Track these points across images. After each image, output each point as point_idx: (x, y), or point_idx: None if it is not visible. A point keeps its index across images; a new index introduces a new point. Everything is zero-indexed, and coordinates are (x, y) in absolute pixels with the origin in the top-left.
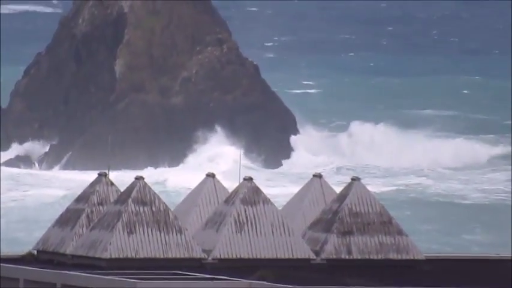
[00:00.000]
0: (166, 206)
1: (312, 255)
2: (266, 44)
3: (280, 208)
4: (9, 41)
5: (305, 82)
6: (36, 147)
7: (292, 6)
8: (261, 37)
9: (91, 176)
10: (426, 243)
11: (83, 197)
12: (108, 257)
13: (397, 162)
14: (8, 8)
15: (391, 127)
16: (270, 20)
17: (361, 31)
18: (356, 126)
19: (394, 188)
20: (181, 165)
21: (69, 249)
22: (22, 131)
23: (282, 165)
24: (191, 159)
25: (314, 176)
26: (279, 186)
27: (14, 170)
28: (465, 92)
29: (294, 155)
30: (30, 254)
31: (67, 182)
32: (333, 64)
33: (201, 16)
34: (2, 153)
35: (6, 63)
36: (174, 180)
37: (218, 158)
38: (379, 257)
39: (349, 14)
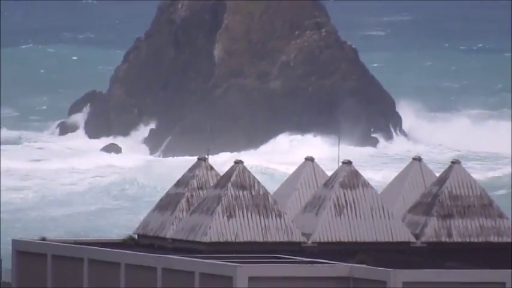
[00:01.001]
0: (265, 189)
1: (412, 239)
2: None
3: (379, 191)
4: (109, 26)
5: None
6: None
7: None
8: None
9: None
10: None
11: (183, 182)
12: (208, 240)
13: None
14: None
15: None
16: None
17: None
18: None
19: (496, 173)
20: (279, 148)
21: (169, 233)
22: (122, 116)
23: (380, 148)
24: (289, 142)
25: (414, 159)
26: (378, 169)
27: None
28: None
29: (394, 137)
30: (130, 238)
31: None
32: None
33: (299, 0)
34: (103, 137)
35: (105, 47)
36: (273, 162)
37: (315, 143)
38: (480, 239)
39: None
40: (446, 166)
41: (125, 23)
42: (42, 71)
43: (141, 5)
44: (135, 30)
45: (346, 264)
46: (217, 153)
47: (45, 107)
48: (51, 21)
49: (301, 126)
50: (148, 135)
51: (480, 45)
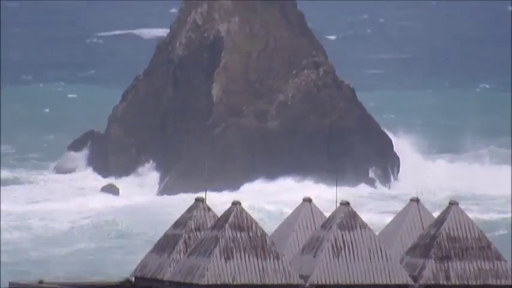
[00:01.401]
0: (263, 231)
1: (410, 281)
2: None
3: (377, 233)
4: (107, 64)
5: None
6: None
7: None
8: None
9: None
10: None
11: (181, 223)
12: (206, 283)
13: (494, 191)
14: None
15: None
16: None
17: None
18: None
19: (492, 215)
20: (277, 188)
21: (166, 276)
22: (120, 156)
23: (378, 189)
24: (288, 182)
25: (411, 200)
26: (376, 210)
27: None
28: None
29: (392, 178)
30: (127, 281)
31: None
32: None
33: (297, 39)
34: (100, 177)
35: (103, 86)
36: (271, 203)
37: (313, 183)
38: (478, 282)
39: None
40: (444, 207)
41: (123, 62)
42: (47, 110)
43: (141, 44)
44: (134, 68)
45: None
46: (215, 193)
47: (44, 146)
48: (50, 58)
49: (300, 166)
50: (147, 174)
51: (482, 85)
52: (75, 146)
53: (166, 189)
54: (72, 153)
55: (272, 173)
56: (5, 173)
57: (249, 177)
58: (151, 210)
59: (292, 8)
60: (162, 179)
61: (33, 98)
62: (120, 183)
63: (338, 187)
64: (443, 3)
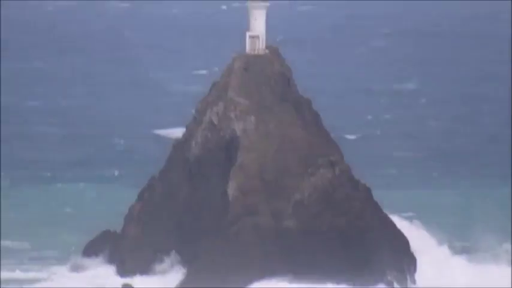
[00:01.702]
0: None
1: None
2: None
3: None
4: (123, 162)
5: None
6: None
7: None
8: None
9: None
10: None
11: None
12: None
13: None
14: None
15: None
16: None
17: None
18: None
19: None
20: None
21: None
22: (136, 256)
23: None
24: (304, 283)
25: None
26: None
27: None
28: None
29: (408, 278)
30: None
31: None
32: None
33: (313, 138)
34: (117, 276)
35: (122, 184)
36: None
37: (331, 284)
38: None
39: None
40: None
41: (140, 161)
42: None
43: (157, 143)
44: (150, 168)
45: None
46: None
47: (61, 244)
48: (69, 155)
49: (316, 266)
50: (163, 273)
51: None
52: (92, 246)
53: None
54: (89, 253)
55: (288, 272)
56: (20, 273)
57: (265, 276)
58: None
59: (308, 107)
60: (178, 277)
61: (51, 196)
62: (137, 282)
63: None
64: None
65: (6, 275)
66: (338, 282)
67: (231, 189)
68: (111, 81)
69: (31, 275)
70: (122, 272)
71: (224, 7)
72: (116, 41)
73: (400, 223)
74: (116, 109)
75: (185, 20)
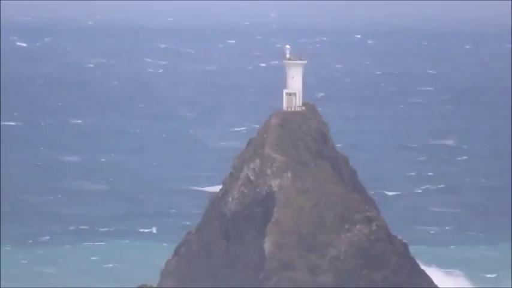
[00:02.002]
0: None
1: None
2: None
3: None
4: (159, 220)
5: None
6: None
7: None
8: None
9: None
10: None
11: None
12: None
13: None
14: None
15: None
16: None
17: None
18: None
19: None
20: None
21: None
22: None
23: None
24: None
25: None
26: None
27: None
28: None
29: None
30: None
31: None
32: None
33: (350, 195)
34: None
35: (159, 239)
36: None
37: None
38: None
39: None
40: None
41: (176, 215)
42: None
43: (193, 200)
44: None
45: None
46: None
47: None
48: (100, 211)
49: None
50: None
51: None
52: None
53: None
54: None
55: None
56: None
57: None
58: None
59: (345, 163)
60: None
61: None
62: None
63: None
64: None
65: None
66: None
67: (268, 245)
68: (149, 138)
69: None
70: None
71: (263, 64)
72: (154, 98)
73: (443, 278)
74: (153, 165)
75: (223, 77)
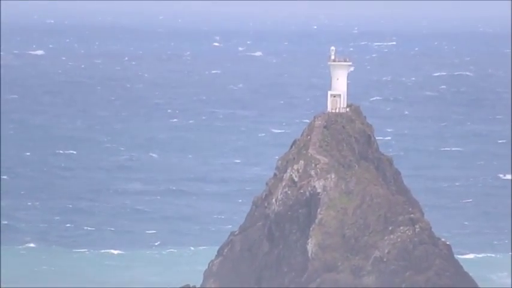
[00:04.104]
0: None
1: None
2: None
3: None
4: (202, 220)
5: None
6: None
7: None
8: None
9: None
10: None
11: None
12: None
13: None
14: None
15: None
16: None
17: None
18: None
19: None
20: None
21: None
22: None
23: None
24: None
25: None
26: None
27: None
28: None
29: None
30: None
31: None
32: None
33: (393, 196)
34: None
35: (197, 243)
36: None
37: None
38: None
39: None
40: None
41: (217, 217)
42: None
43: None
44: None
45: None
46: None
47: None
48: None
49: None
50: None
51: None
52: None
53: None
54: None
55: None
56: None
57: None
58: None
59: (389, 165)
60: None
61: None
62: None
63: None
64: None
65: None
66: None
67: (311, 246)
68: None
69: None
70: None
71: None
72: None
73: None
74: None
75: (270, 79)
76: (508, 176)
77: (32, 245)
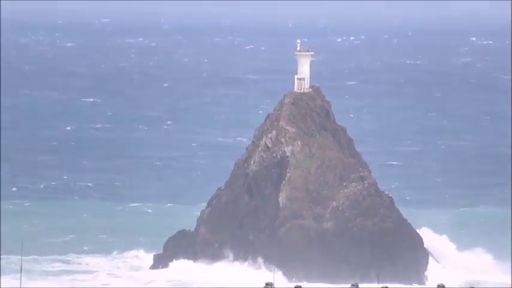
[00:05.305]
0: None
1: None
2: None
3: None
4: (196, 178)
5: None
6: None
7: None
8: None
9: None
10: None
11: None
12: None
13: None
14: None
15: None
16: None
17: None
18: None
19: None
20: (332, 280)
21: None
22: (206, 250)
23: (414, 279)
24: (337, 273)
25: (438, 285)
26: None
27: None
28: None
29: (423, 271)
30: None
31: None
32: None
33: (347, 159)
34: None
35: (195, 197)
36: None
37: (360, 275)
38: None
39: None
40: None
41: (208, 177)
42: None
43: (222, 160)
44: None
45: None
46: (282, 278)
47: (144, 242)
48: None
49: (348, 260)
50: (227, 264)
51: None
52: (171, 243)
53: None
54: (169, 246)
55: (326, 264)
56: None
57: (308, 269)
58: None
59: (343, 134)
60: (239, 267)
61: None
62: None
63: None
64: None
65: None
66: (362, 274)
67: (282, 198)
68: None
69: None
70: (195, 262)
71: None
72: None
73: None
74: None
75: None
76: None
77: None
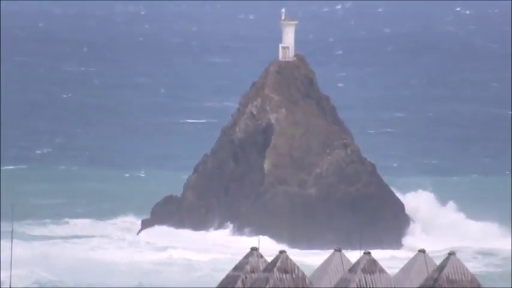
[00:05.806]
0: (303, 273)
1: None
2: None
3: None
4: (183, 143)
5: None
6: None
7: None
8: None
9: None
10: None
11: (239, 267)
12: None
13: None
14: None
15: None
16: None
17: None
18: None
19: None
20: (316, 245)
21: None
22: (192, 215)
23: (395, 244)
24: (322, 238)
25: (419, 251)
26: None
27: None
28: None
29: (404, 236)
30: None
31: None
32: None
33: (330, 126)
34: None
35: (182, 163)
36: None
37: (343, 239)
38: None
39: None
40: (445, 257)
41: (194, 144)
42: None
43: (209, 127)
44: (204, 148)
45: None
46: (267, 243)
47: (135, 207)
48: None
49: (332, 225)
50: (213, 230)
51: None
52: (158, 207)
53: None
54: (155, 211)
55: (310, 230)
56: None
57: (293, 233)
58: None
59: (327, 102)
60: (224, 232)
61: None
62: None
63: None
64: None
65: None
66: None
67: (267, 165)
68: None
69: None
70: (180, 227)
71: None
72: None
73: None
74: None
75: (237, 39)
76: None
77: None
